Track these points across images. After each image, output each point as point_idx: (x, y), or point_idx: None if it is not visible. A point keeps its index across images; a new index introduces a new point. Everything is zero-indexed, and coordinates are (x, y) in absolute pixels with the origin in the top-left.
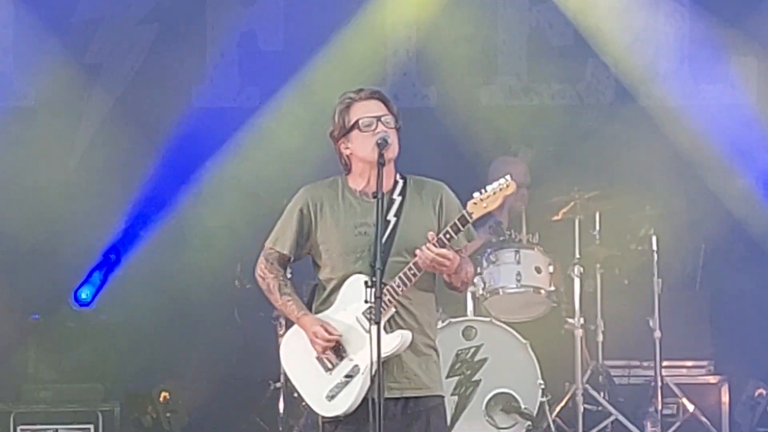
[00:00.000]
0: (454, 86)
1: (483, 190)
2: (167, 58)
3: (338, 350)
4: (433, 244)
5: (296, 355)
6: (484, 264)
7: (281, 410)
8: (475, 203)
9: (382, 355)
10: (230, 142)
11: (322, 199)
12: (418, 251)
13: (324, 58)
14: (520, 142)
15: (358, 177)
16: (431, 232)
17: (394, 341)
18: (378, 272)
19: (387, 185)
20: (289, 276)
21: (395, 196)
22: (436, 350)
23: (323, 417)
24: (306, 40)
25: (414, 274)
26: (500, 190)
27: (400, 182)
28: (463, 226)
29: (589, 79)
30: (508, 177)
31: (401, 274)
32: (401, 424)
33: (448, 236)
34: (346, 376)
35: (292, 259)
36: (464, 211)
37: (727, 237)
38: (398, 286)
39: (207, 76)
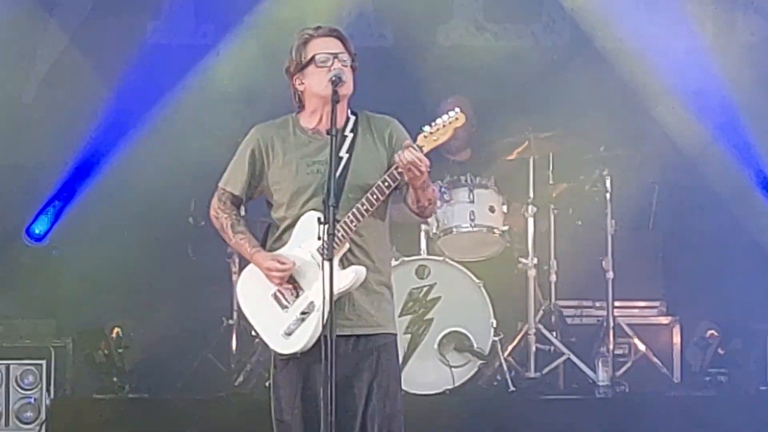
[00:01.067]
0: (410, 26)
1: (433, 123)
2: (123, 12)
3: (294, 287)
4: (413, 148)
5: (253, 294)
6: (438, 203)
7: (234, 347)
8: (425, 136)
9: (337, 290)
10: (185, 79)
11: (273, 138)
12: (397, 154)
13: (261, 21)
14: (476, 81)
15: (310, 115)
16: (408, 140)
17: (348, 277)
18: (331, 209)
19: (339, 122)
20: (242, 214)
21: (347, 132)
22: (389, 288)
23: (279, 354)
24: (229, 12)
25: (367, 210)
26: (450, 123)
27: (352, 118)
28: None
29: (546, 20)
30: (457, 109)
31: (354, 210)
32: (352, 362)
33: (399, 170)
34: (302, 313)
35: (244, 199)
36: (414, 145)
37: (680, 179)
38: (351, 222)
39: (162, 13)
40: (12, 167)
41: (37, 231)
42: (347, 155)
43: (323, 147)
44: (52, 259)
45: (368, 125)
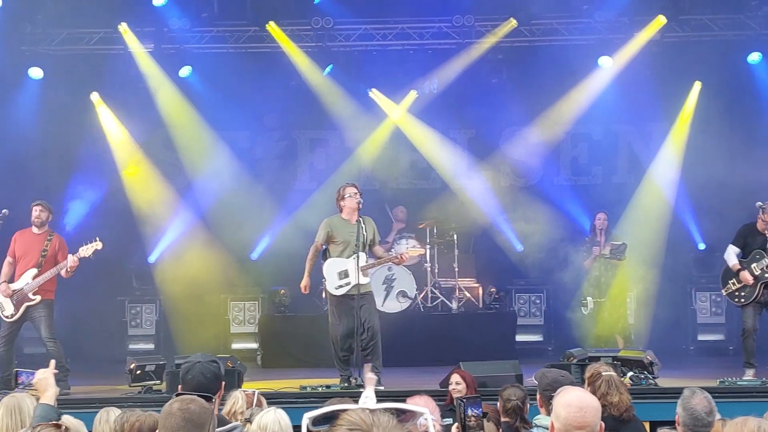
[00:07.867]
0: (382, 179)
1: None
2: (286, 175)
3: (339, 274)
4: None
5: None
6: (397, 241)
7: (323, 296)
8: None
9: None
10: (301, 206)
11: (333, 223)
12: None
13: (336, 177)
14: (407, 201)
15: (344, 214)
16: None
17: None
18: (353, 252)
19: (355, 218)
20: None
21: (358, 222)
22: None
23: (332, 294)
24: (324, 174)
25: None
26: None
27: (359, 218)
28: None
29: (433, 176)
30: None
31: (361, 252)
32: (360, 301)
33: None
34: (342, 283)
35: (323, 246)
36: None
37: (482, 236)
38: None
39: (296, 179)
40: (242, 224)
41: (254, 255)
42: (357, 231)
43: (348, 226)
44: (259, 266)
45: (365, 221)
